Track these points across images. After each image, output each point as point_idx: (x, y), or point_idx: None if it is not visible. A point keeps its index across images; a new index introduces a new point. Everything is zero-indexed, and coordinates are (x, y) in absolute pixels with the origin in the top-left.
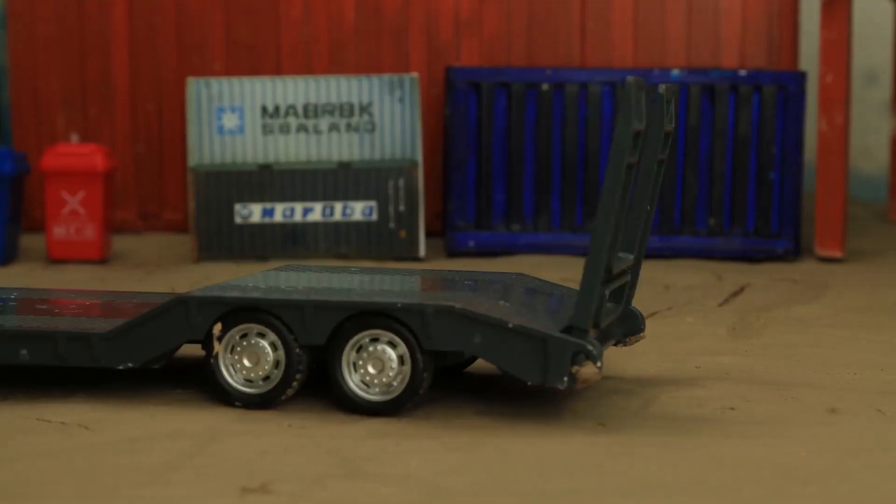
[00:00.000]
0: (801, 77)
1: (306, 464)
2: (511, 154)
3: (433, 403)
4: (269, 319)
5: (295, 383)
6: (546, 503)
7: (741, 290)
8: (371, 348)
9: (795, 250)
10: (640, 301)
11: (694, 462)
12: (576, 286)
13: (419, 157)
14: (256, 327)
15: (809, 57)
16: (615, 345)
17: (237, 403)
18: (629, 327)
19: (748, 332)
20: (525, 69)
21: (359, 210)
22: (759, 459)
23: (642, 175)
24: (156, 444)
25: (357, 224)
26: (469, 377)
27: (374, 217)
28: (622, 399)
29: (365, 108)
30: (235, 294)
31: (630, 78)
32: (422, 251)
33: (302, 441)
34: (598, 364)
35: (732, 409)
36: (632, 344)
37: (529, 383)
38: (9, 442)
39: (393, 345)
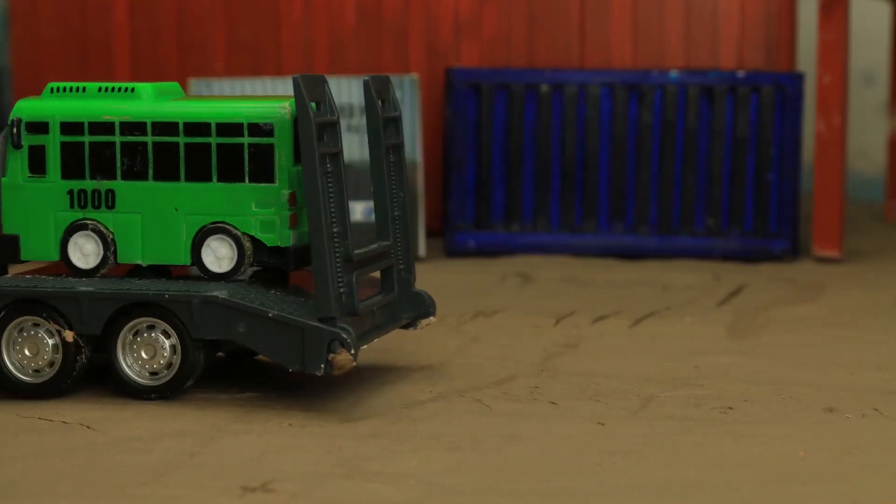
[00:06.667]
0: (798, 78)
1: (306, 463)
2: (510, 154)
3: (432, 403)
4: (47, 311)
5: (78, 368)
6: (546, 503)
7: (739, 290)
8: (146, 335)
9: (793, 250)
10: (640, 301)
11: (693, 462)
12: (574, 285)
13: (419, 158)
14: (33, 318)
15: (807, 58)
16: (405, 328)
17: (19, 394)
18: (418, 311)
19: (746, 331)
20: (524, 70)
21: (359, 210)
22: (757, 459)
23: (372, 163)
24: (157, 444)
25: (357, 225)
26: (469, 377)
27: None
28: (622, 399)
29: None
30: (17, 285)
31: (298, 77)
32: (422, 251)
33: (302, 440)
34: (352, 351)
35: (731, 408)
36: (423, 327)
37: (291, 370)
38: (11, 441)
39: (167, 334)
